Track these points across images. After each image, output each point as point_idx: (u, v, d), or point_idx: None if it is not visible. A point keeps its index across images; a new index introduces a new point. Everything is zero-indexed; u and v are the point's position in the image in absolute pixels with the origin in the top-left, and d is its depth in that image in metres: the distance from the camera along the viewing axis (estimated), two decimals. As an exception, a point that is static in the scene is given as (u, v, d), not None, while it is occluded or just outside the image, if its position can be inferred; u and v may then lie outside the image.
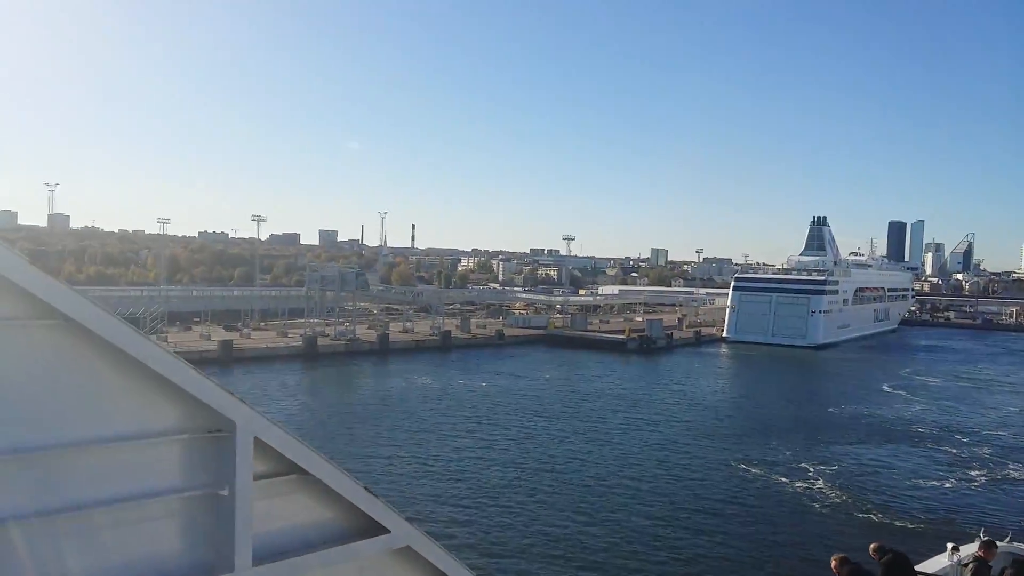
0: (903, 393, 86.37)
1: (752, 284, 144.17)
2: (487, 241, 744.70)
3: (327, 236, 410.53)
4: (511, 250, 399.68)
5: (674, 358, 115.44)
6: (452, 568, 5.55)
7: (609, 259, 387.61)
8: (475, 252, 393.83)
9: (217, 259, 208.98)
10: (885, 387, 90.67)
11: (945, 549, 16.74)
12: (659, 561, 35.37)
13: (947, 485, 49.38)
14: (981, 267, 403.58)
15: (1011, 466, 53.57)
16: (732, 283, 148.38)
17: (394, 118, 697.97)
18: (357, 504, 4.92)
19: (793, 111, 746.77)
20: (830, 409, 74.43)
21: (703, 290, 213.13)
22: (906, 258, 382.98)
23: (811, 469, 51.72)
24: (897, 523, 40.89)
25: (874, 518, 42.22)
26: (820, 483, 48.50)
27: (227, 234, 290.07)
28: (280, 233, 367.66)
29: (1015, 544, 18.28)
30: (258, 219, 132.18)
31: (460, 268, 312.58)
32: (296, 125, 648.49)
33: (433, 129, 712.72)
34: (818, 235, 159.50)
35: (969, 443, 60.76)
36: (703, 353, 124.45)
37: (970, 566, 14.35)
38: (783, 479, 49.32)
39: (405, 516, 5.19)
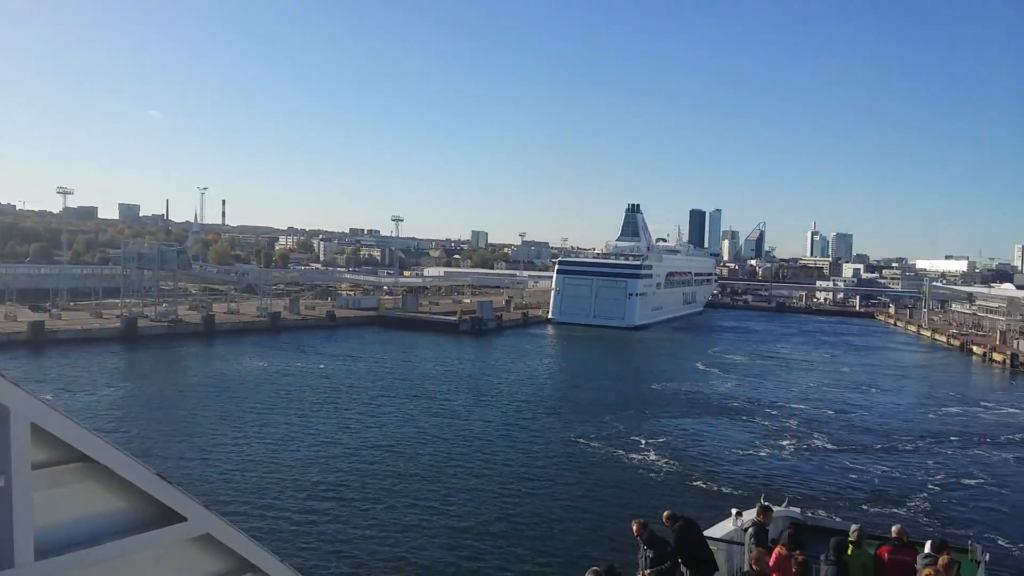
0: (716, 371, 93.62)
1: (574, 268, 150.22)
2: (303, 220, 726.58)
3: (128, 210, 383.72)
4: (329, 229, 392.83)
5: (505, 339, 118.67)
6: (255, 554, 5.41)
7: (431, 240, 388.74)
8: (291, 231, 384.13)
9: (7, 233, 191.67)
10: (699, 365, 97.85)
11: (730, 514, 17.36)
12: (506, 531, 37.18)
13: (762, 453, 54.51)
14: (772, 253, 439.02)
15: (815, 436, 59.87)
16: (556, 267, 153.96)
17: (201, 86, 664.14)
18: (150, 492, 4.68)
19: (605, 105, 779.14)
20: (653, 386, 79.56)
21: (526, 273, 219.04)
22: (706, 245, 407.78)
23: (643, 441, 55.43)
24: (724, 489, 44.84)
25: (702, 484, 46.05)
26: (652, 455, 52.09)
27: (14, 206, 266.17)
28: (75, 206, 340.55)
29: (791, 508, 19.61)
30: (64, 191, 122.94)
31: (278, 247, 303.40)
32: (91, 91, 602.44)
33: (242, 102, 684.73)
34: (633, 222, 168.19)
35: (778, 415, 67.14)
36: (531, 334, 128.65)
37: (749, 530, 15.18)
38: (620, 451, 52.63)
39: (204, 503, 5.03)
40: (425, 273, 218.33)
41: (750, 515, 16.97)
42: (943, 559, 12.60)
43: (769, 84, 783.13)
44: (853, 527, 14.31)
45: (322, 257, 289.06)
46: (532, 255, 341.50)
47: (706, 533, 15.31)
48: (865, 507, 42.73)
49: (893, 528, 14.54)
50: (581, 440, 55.14)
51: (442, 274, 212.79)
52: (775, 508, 18.02)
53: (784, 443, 57.50)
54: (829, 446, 57.11)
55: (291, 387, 69.95)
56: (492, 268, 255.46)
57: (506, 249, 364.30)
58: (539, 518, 39.10)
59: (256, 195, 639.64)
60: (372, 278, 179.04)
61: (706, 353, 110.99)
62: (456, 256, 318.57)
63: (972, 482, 49.41)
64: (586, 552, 33.61)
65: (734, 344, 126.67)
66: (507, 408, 65.69)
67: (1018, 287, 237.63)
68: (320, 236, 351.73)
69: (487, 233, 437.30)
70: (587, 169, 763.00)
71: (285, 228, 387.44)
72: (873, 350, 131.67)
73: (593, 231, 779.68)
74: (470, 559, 33.87)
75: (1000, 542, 38.34)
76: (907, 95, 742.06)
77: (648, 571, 12.65)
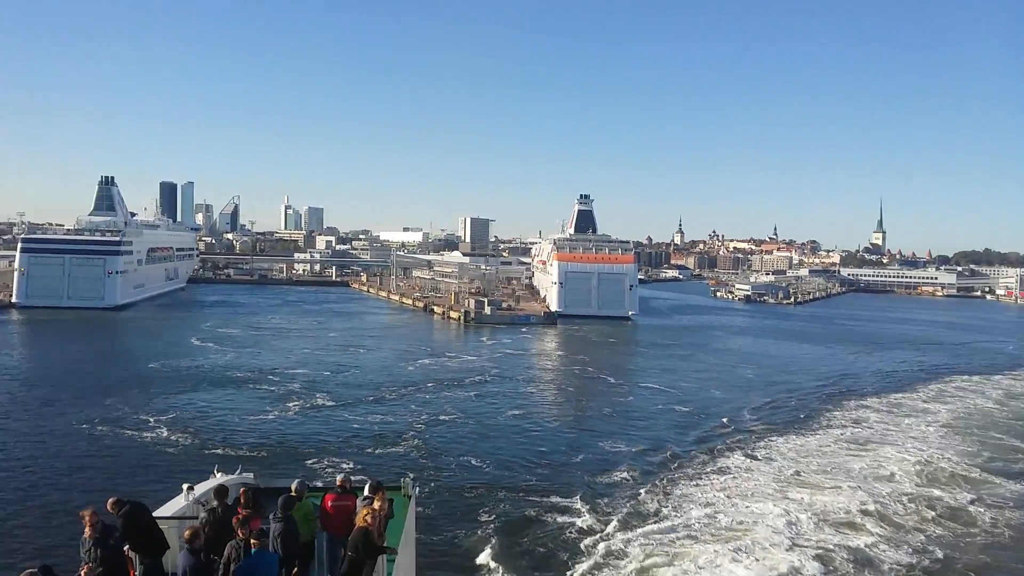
0: (212, 344, 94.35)
1: (43, 245, 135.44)
2: None
3: None
4: None
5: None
6: None
7: None
8: None
9: None
10: (194, 340, 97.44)
11: (181, 490, 16.88)
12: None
13: (270, 417, 58.17)
14: (248, 227, 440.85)
15: (317, 396, 65.47)
16: (20, 245, 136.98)
17: None
18: None
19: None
20: (151, 365, 77.80)
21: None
22: (179, 218, 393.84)
23: (151, 420, 55.19)
24: (244, 453, 47.45)
25: (220, 451, 48.09)
26: (164, 431, 52.39)
27: None
28: None
29: (244, 475, 19.80)
30: None
31: None
32: None
33: None
34: (107, 195, 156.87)
35: (281, 381, 71.47)
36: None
37: (207, 504, 14.76)
38: (131, 432, 51.85)
39: None
40: None
41: (205, 487, 17.11)
42: (378, 498, 13.71)
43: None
44: (294, 483, 14.79)
45: None
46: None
47: (158, 512, 15.18)
48: (370, 451, 49.40)
49: (338, 477, 15.23)
50: (85, 426, 52.86)
51: None
52: (230, 476, 18.30)
53: (291, 404, 62.01)
54: (331, 403, 63.19)
55: None
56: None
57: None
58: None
59: None
60: None
61: (199, 328, 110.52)
62: None
63: (447, 418, 59.63)
64: (43, 548, 32.27)
65: (225, 318, 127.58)
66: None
67: (464, 255, 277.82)
68: None
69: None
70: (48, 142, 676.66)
71: None
72: (353, 315, 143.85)
73: (70, 204, 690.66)
74: None
75: (473, 462, 48.05)
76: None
77: (91, 564, 11.95)
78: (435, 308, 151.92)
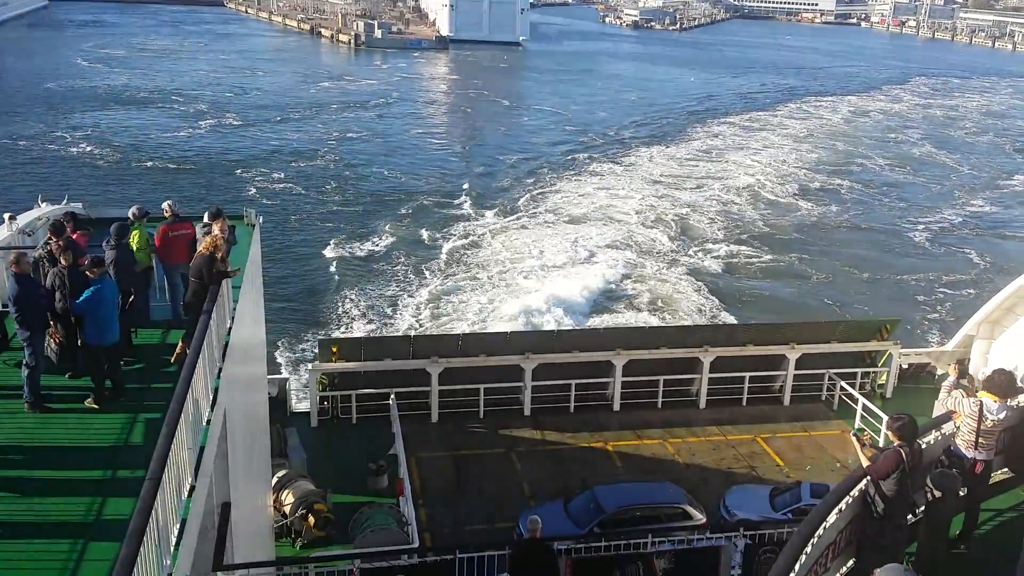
0: (101, 66, 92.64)
1: None
2: None
3: None
4: None
5: None
6: None
7: None
8: None
9: None
10: (81, 61, 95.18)
11: (3, 219, 15.52)
12: None
13: (183, 134, 61.22)
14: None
15: (227, 115, 68.29)
16: None
17: None
18: None
19: None
20: (48, 85, 77.29)
21: None
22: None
23: (68, 135, 57.60)
24: (171, 167, 51.58)
25: (149, 164, 51.92)
26: (87, 146, 55.24)
27: None
28: None
29: (72, 205, 17.58)
30: None
31: None
32: None
33: None
34: None
35: (187, 101, 73.29)
36: None
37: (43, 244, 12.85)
38: (52, 147, 54.47)
39: None
40: None
41: (27, 217, 16.13)
42: (217, 223, 12.84)
43: None
44: (132, 209, 13.85)
45: None
46: None
47: None
48: (293, 164, 54.23)
49: (164, 205, 14.04)
50: (6, 141, 55.05)
51: None
52: (55, 207, 17.02)
53: (202, 123, 64.95)
54: (241, 122, 66.42)
55: None
56: None
57: None
58: None
59: None
60: None
61: (81, 49, 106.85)
62: None
63: (355, 136, 64.28)
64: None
65: (104, 39, 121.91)
66: None
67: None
68: None
69: None
70: None
71: None
72: (237, 37, 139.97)
73: None
74: None
75: (385, 172, 53.89)
76: None
77: None
78: (322, 31, 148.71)
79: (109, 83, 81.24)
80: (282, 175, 50.60)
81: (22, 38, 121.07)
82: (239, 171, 51.08)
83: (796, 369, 22.49)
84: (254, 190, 47.46)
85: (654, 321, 32.59)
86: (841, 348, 23.00)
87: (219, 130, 63.34)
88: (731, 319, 33.11)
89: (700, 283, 37.02)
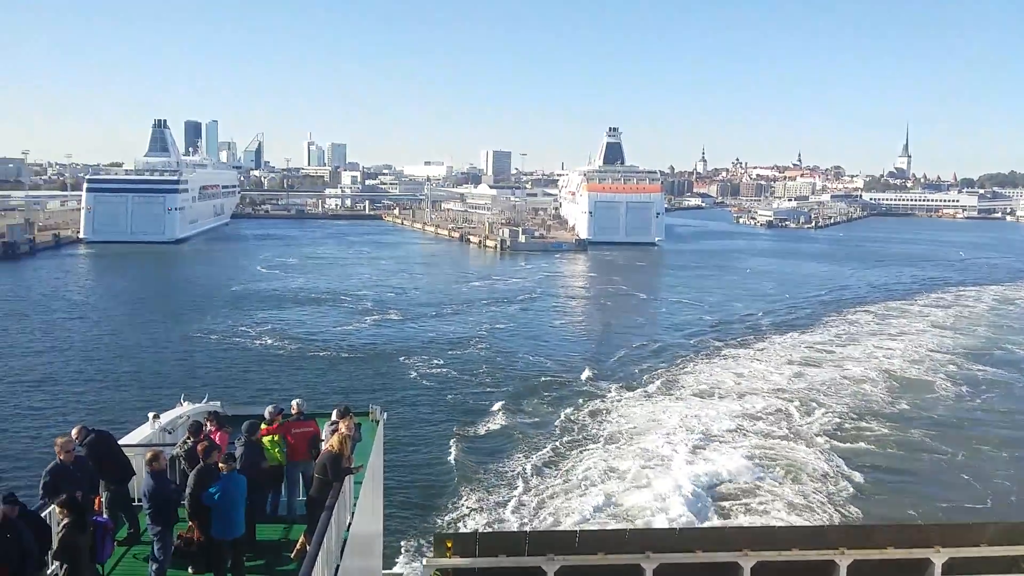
0: (278, 271, 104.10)
1: (106, 185, 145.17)
2: None
3: None
4: None
5: (43, 262, 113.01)
6: None
7: None
8: None
9: None
10: (260, 268, 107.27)
11: (148, 418, 16.62)
12: None
13: (349, 328, 67.49)
14: (272, 164, 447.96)
15: (389, 311, 74.95)
16: (86, 185, 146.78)
17: None
18: None
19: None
20: (234, 288, 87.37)
21: (44, 192, 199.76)
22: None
23: (252, 330, 64.81)
24: (344, 356, 57.08)
25: (322, 354, 57.62)
26: (268, 340, 61.88)
27: None
28: None
29: (210, 402, 19.43)
30: None
31: None
32: None
33: None
34: (161, 137, 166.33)
35: (353, 300, 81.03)
36: (74, 255, 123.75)
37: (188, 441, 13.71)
38: (238, 339, 61.47)
39: None
40: None
41: (169, 416, 17.17)
42: (346, 422, 13.37)
43: None
44: (269, 408, 14.37)
45: None
46: (11, 173, 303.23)
47: (124, 440, 15.09)
48: (450, 352, 58.85)
49: (292, 404, 14.65)
50: (198, 335, 62.57)
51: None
52: (196, 405, 18.40)
53: (368, 318, 71.52)
54: (401, 317, 72.63)
55: None
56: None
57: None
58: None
59: None
60: None
61: (259, 258, 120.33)
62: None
63: (502, 327, 69.08)
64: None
65: (278, 249, 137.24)
66: (112, 322, 69.22)
67: (490, 187, 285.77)
68: None
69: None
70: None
71: None
72: (395, 245, 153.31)
73: (110, 146, 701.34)
74: None
75: (531, 358, 57.58)
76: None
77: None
78: (471, 238, 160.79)
79: (285, 285, 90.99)
80: (441, 361, 55.18)
81: (210, 249, 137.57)
82: (401, 358, 55.91)
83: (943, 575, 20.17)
84: (414, 374, 51.93)
85: (783, 515, 31.50)
86: (992, 552, 20.43)
87: (382, 324, 69.50)
88: (861, 514, 31.66)
89: (830, 471, 36.05)
